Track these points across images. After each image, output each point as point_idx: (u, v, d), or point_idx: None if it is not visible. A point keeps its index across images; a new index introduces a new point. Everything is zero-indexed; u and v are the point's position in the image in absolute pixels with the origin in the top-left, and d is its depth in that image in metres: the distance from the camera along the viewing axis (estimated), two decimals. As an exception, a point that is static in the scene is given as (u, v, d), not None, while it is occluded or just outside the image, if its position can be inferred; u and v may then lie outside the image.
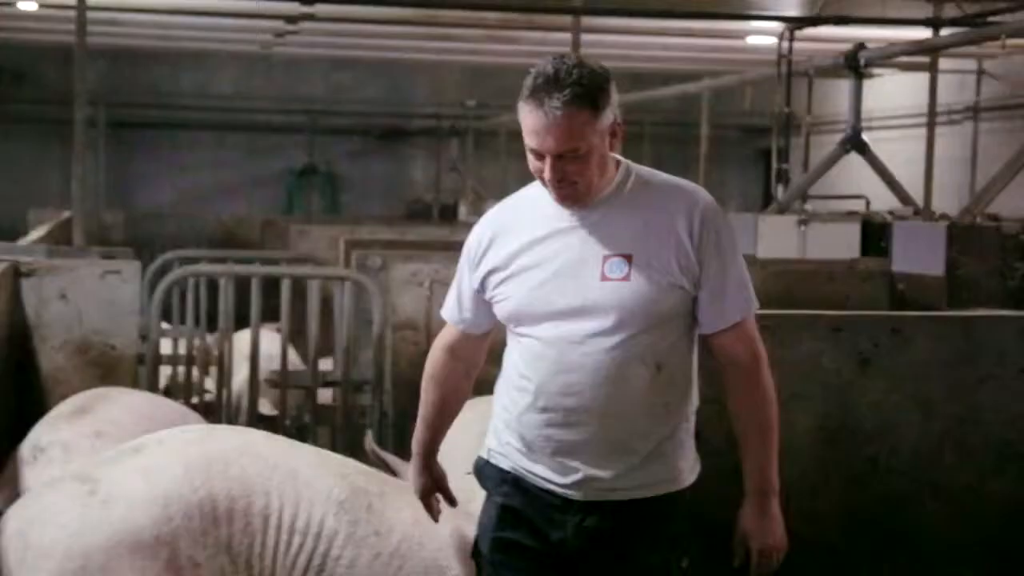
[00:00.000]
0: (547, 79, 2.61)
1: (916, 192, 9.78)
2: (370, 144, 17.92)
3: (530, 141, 2.66)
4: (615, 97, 2.70)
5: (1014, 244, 6.13)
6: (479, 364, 3.01)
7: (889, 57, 9.55)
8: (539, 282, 2.73)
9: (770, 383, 2.81)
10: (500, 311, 2.82)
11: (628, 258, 2.70)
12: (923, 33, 9.75)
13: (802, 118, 10.30)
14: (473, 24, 10.88)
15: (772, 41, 10.18)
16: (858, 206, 9.02)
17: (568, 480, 2.75)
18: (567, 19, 9.67)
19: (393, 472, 3.69)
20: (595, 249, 2.71)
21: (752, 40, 11.53)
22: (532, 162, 2.69)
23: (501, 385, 2.88)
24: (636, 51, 12.44)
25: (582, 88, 2.61)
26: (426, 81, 17.61)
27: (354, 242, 7.09)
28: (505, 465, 2.84)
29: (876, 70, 12.20)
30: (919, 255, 6.32)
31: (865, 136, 9.34)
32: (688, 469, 2.81)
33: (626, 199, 2.75)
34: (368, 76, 17.25)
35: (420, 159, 18.23)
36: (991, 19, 9.20)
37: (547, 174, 2.66)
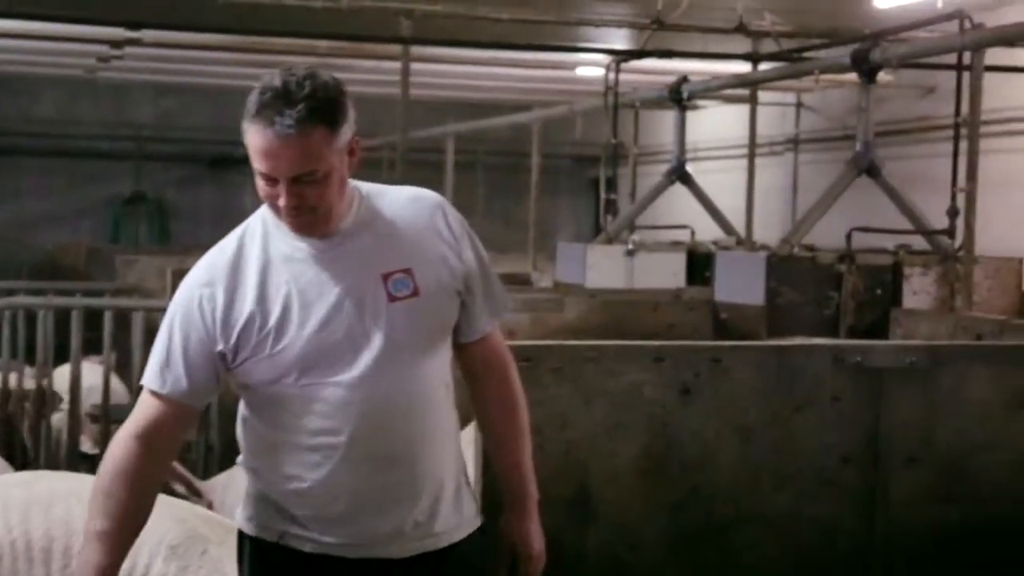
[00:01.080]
0: (276, 94, 2.32)
1: (740, 222, 10.05)
2: (199, 171, 17.63)
3: (260, 165, 2.36)
4: (352, 113, 2.44)
5: (829, 274, 6.34)
6: (175, 454, 2.60)
7: (711, 90, 9.80)
8: (321, 320, 2.42)
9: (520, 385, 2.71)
10: (272, 367, 2.42)
11: (408, 272, 2.47)
12: (743, 67, 10.04)
13: (629, 148, 10.50)
14: (302, 52, 10.80)
15: (601, 72, 10.36)
16: (684, 236, 9.21)
17: (390, 530, 2.48)
18: (397, 48, 9.68)
19: (197, 492, 3.66)
20: (370, 270, 2.45)
21: (581, 71, 11.70)
22: (263, 188, 2.40)
23: (266, 459, 2.50)
24: (467, 81, 12.51)
25: (317, 103, 2.34)
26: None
27: (181, 272, 6.96)
28: (308, 548, 2.48)
29: (700, 102, 12.51)
30: (741, 285, 6.49)
31: (691, 166, 9.56)
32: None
33: (373, 214, 2.51)
34: (196, 102, 16.97)
35: (250, 187, 17.85)
36: (806, 55, 9.53)
37: (282, 201, 2.37)
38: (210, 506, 4.22)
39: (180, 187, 17.64)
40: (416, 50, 9.70)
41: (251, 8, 9.38)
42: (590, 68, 11.34)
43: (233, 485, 4.27)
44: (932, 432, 3.82)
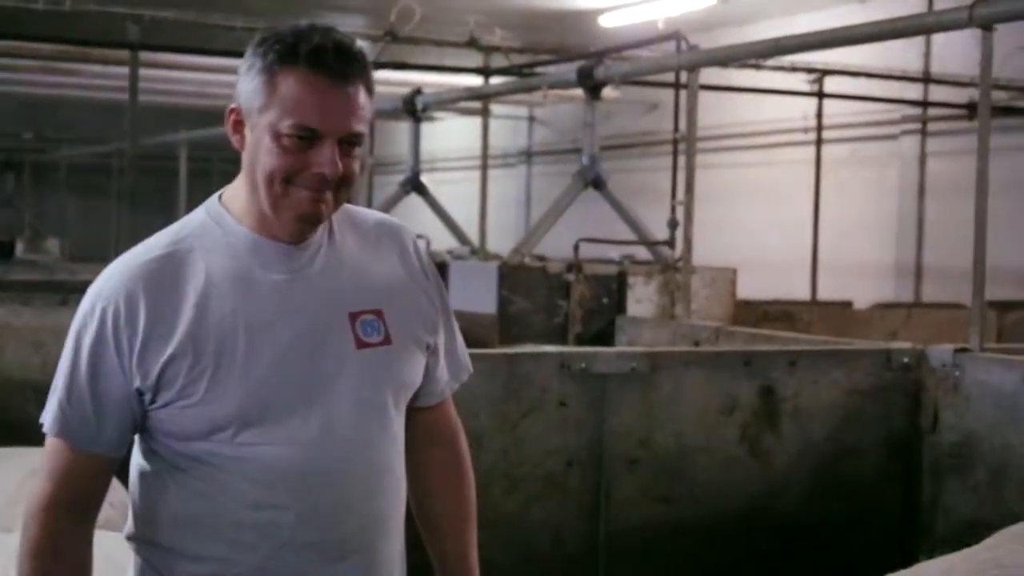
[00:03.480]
0: (325, 40, 1.89)
1: (475, 232, 10.23)
2: None
3: (299, 116, 1.87)
4: None
5: (558, 283, 6.55)
6: (98, 512, 1.98)
7: (444, 102, 9.95)
8: (271, 362, 1.90)
9: None
10: (203, 417, 1.89)
11: (379, 314, 2.00)
12: (477, 80, 10.24)
13: (365, 159, 10.54)
14: (26, 55, 10.39)
15: (336, 83, 10.35)
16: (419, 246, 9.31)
17: None
18: (126, 53, 9.44)
19: None
20: (335, 305, 1.96)
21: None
22: (276, 156, 1.88)
23: (178, 535, 1.94)
24: (200, 88, 12.29)
25: (364, 62, 1.94)
26: (-24, 111, 16.64)
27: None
28: None
29: (435, 114, 12.66)
30: (474, 293, 6.63)
31: (426, 177, 9.67)
32: None
33: (340, 235, 2.03)
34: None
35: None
36: (536, 70, 9.79)
37: (320, 166, 1.88)
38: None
39: None
40: (147, 56, 9.48)
41: (-32, 8, 8.96)
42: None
43: None
44: (652, 435, 4.02)
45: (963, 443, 4.12)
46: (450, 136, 14.27)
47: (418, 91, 9.35)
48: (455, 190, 12.07)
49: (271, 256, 1.94)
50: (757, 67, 8.65)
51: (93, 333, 1.89)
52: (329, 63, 1.87)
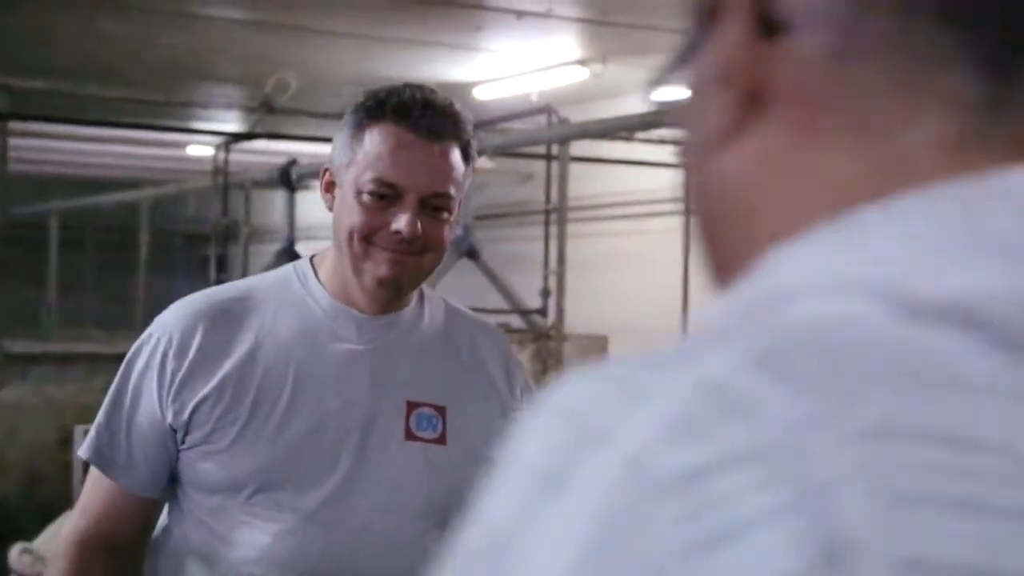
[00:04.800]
0: (415, 95, 1.82)
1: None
2: None
3: (382, 171, 1.79)
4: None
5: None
6: (139, 557, 1.90)
7: (319, 174, 10.01)
8: (308, 429, 1.80)
9: None
10: (226, 467, 1.79)
11: (442, 411, 1.87)
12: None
13: (241, 228, 10.55)
14: None
15: (212, 151, 10.38)
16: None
17: None
18: (-3, 123, 9.36)
19: None
20: (394, 389, 1.85)
21: (192, 150, 11.67)
22: (357, 214, 1.80)
23: None
24: (73, 157, 12.19)
25: (461, 121, 1.84)
26: None
27: None
28: None
29: (311, 183, 12.72)
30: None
31: (302, 246, 9.71)
32: None
33: (428, 321, 1.92)
34: None
35: None
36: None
37: (399, 223, 1.78)
38: None
39: None
40: (16, 124, 9.40)
41: None
42: (201, 147, 11.33)
43: None
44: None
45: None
46: (321, 206, 14.29)
47: (293, 162, 9.42)
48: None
49: (344, 322, 1.85)
50: (627, 139, 8.91)
51: (143, 361, 1.83)
52: (416, 116, 1.80)
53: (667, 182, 11.08)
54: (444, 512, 1.82)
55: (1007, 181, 0.53)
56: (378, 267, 1.81)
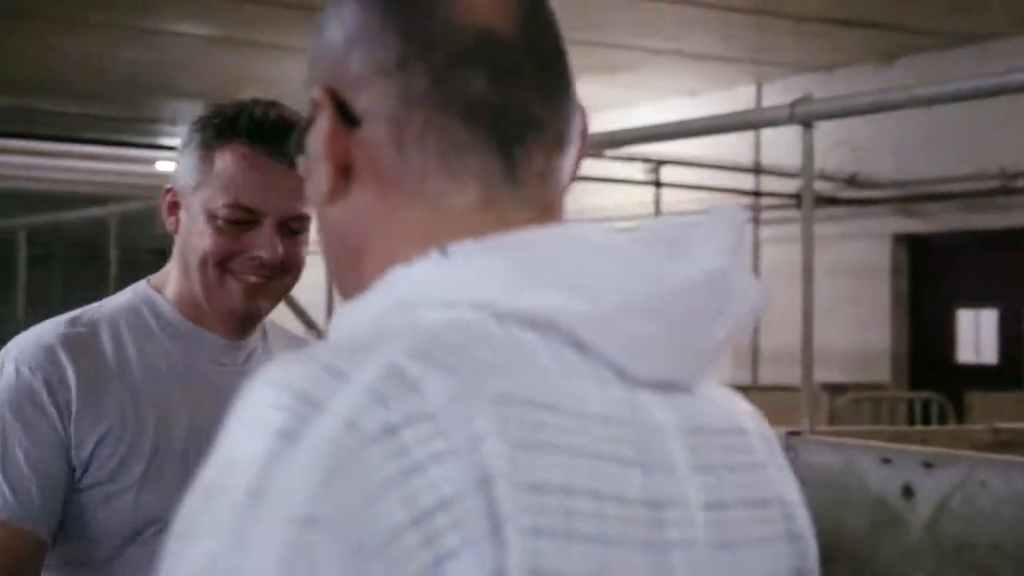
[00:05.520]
0: (265, 116, 1.74)
1: (322, 317, 10.21)
2: None
3: (237, 195, 1.70)
4: None
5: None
6: None
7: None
8: (202, 457, 1.49)
9: None
10: (132, 507, 1.67)
11: None
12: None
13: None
14: None
15: (179, 169, 10.31)
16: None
17: None
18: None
19: None
20: None
21: (161, 166, 11.59)
22: (210, 240, 1.71)
23: None
24: (39, 173, 12.09)
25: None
26: None
27: None
28: None
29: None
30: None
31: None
32: None
33: (275, 338, 1.88)
34: None
35: None
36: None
37: (258, 249, 1.70)
38: None
39: None
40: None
41: None
42: (169, 163, 11.26)
43: None
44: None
45: (795, 522, 4.24)
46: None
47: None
48: (305, 275, 12.02)
49: (209, 348, 1.76)
50: (597, 156, 8.90)
51: (21, 395, 1.65)
52: (270, 137, 1.70)
53: (636, 199, 11.06)
54: None
55: (540, 232, 0.81)
56: (233, 300, 1.73)
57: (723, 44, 8.95)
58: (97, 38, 8.73)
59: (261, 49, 9.04)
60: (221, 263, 1.71)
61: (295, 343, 1.90)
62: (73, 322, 1.73)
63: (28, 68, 9.71)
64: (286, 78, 9.79)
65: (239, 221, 1.70)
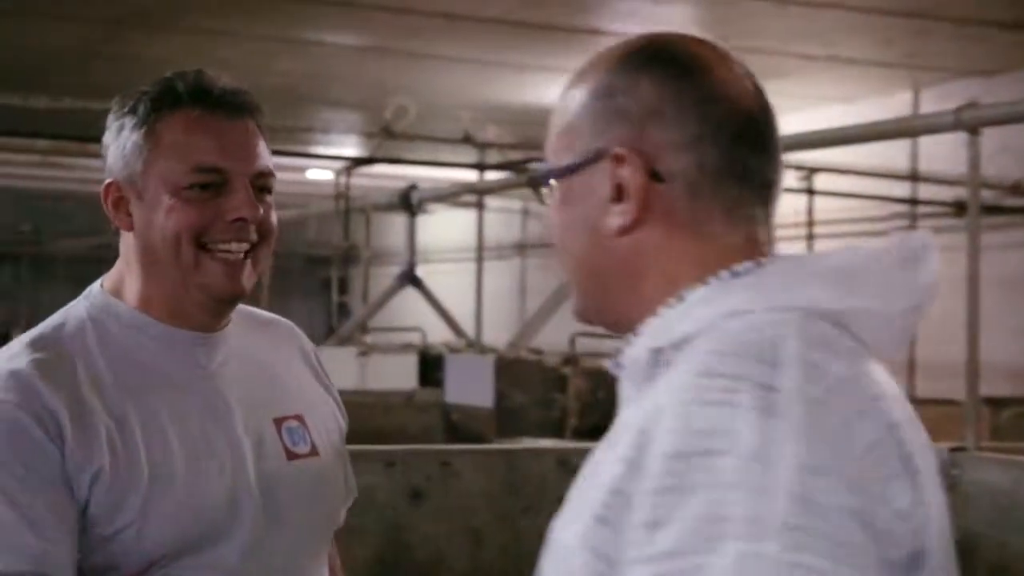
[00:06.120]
0: (203, 78, 1.60)
1: (470, 324, 10.28)
2: None
3: (196, 158, 1.56)
4: None
5: (555, 376, 6.59)
6: None
7: (439, 197, 10.08)
8: (207, 479, 1.55)
9: None
10: (135, 543, 1.51)
11: (301, 420, 1.68)
12: (471, 175, 10.37)
13: (362, 251, 10.63)
14: (24, 150, 10.52)
15: (332, 176, 10.48)
16: (415, 338, 9.36)
17: None
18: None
19: None
20: (260, 409, 1.64)
21: (312, 174, 11.81)
22: (180, 214, 1.55)
23: None
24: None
25: (255, 101, 1.64)
26: (-27, 204, 16.77)
27: None
28: None
29: (431, 207, 12.80)
30: (470, 386, 6.66)
31: (423, 269, 9.76)
32: None
33: (237, 323, 1.69)
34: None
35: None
36: (530, 165, 9.92)
37: (237, 210, 1.56)
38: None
39: None
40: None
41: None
42: (322, 171, 11.46)
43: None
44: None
45: (962, 542, 4.12)
46: (445, 228, 14.39)
47: (413, 186, 9.46)
48: (450, 282, 12.14)
49: (186, 350, 1.60)
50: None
51: (12, 434, 1.46)
52: (217, 96, 1.59)
53: (789, 207, 10.89)
54: (333, 522, 1.73)
55: (793, 260, 1.10)
56: (214, 278, 1.56)
57: (879, 49, 8.76)
58: (254, 49, 8.93)
59: (412, 59, 9.15)
60: (197, 238, 1.55)
61: (257, 321, 1.77)
62: (35, 346, 1.54)
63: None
64: (435, 87, 9.91)
65: (207, 184, 1.55)
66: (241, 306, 1.70)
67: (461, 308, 10.28)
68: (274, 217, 1.62)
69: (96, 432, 1.49)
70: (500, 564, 3.84)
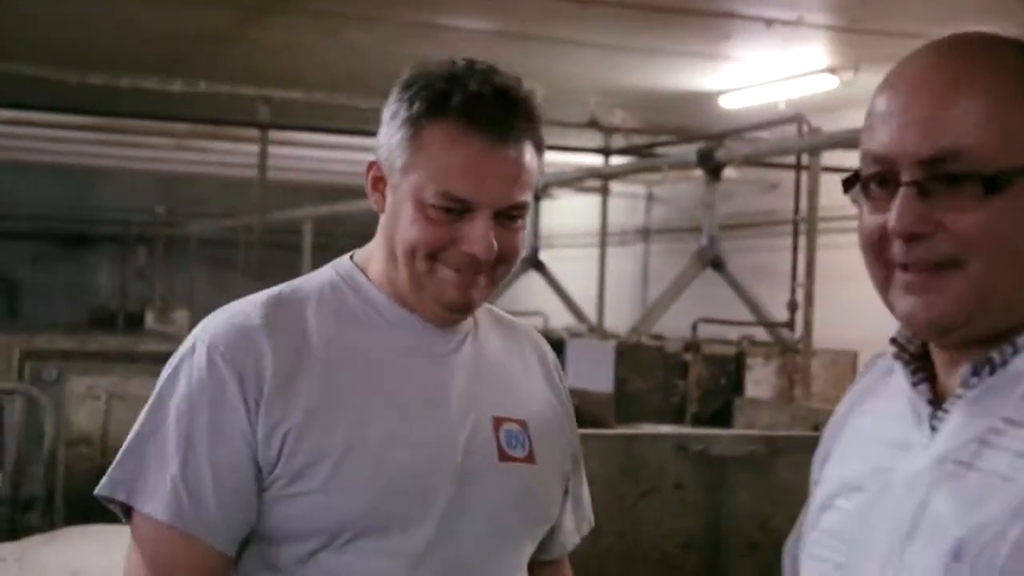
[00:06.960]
0: (483, 90, 1.56)
1: (592, 309, 10.26)
2: (51, 249, 17.33)
3: (446, 184, 1.53)
4: None
5: (676, 363, 6.54)
6: None
7: (565, 182, 10.07)
8: (404, 459, 1.53)
9: None
10: (317, 508, 1.50)
11: (524, 426, 1.63)
12: (596, 160, 10.34)
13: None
14: (161, 133, 10.78)
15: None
16: (537, 323, 9.38)
17: None
18: (255, 131, 9.74)
19: None
20: (480, 404, 1.60)
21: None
22: (421, 228, 1.55)
23: None
24: (324, 165, 12.60)
25: (532, 112, 1.59)
26: (112, 186, 17.23)
27: (29, 352, 6.84)
28: None
29: (555, 191, 12.80)
30: (591, 371, 6.65)
31: (546, 254, 9.77)
32: None
33: (484, 327, 1.69)
34: (50, 180, 16.72)
35: (105, 265, 17.73)
36: (656, 151, 9.86)
37: (471, 245, 1.54)
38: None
39: (31, 265, 17.30)
40: (274, 134, 9.77)
41: (107, 90, 9.34)
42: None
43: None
44: (771, 519, 3.98)
45: None
46: (568, 213, 14.37)
47: (538, 170, 9.47)
48: (573, 267, 12.13)
49: (416, 334, 1.60)
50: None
51: (211, 386, 1.51)
52: (487, 116, 1.53)
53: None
54: (535, 540, 1.66)
55: None
56: (445, 291, 1.57)
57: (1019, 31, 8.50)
58: (384, 33, 9.02)
59: (541, 43, 9.14)
60: (431, 255, 1.55)
61: (502, 324, 1.74)
62: (273, 301, 1.58)
63: (316, 64, 10.12)
64: (564, 72, 9.89)
65: (450, 210, 1.54)
66: (487, 305, 1.71)
67: (583, 293, 10.27)
68: (519, 241, 1.60)
69: (296, 393, 1.50)
70: (617, 549, 3.83)
